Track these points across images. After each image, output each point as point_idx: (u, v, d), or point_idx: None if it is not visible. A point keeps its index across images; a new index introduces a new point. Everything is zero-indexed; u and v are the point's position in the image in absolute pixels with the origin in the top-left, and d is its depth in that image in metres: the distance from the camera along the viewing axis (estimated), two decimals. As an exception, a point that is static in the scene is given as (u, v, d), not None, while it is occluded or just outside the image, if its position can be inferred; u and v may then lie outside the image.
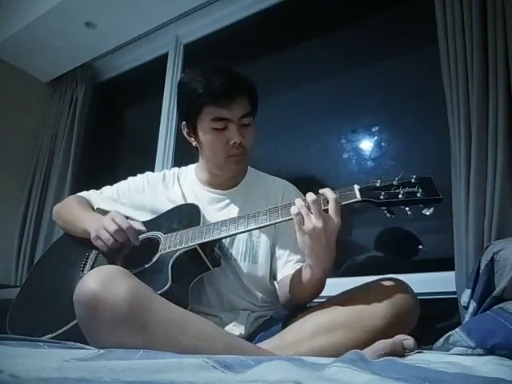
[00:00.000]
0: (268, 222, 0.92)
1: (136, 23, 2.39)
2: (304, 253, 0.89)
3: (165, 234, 1.04)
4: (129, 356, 0.61)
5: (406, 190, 0.83)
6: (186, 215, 1.07)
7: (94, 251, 1.09)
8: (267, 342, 0.89)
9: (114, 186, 1.25)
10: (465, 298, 1.11)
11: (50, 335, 0.90)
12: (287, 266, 1.07)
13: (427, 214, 0.82)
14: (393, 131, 1.83)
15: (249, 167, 1.22)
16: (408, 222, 1.62)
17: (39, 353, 0.63)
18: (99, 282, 0.73)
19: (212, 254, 1.01)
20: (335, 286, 0.99)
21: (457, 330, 0.82)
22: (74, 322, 0.84)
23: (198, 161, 1.22)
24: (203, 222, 1.02)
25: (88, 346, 0.74)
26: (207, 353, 0.68)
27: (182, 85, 1.09)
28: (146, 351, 0.65)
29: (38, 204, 2.51)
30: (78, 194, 1.27)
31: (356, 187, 0.88)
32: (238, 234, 0.98)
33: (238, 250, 1.08)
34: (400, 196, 0.83)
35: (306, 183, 1.18)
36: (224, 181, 1.16)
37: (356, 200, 0.86)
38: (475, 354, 0.75)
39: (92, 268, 1.06)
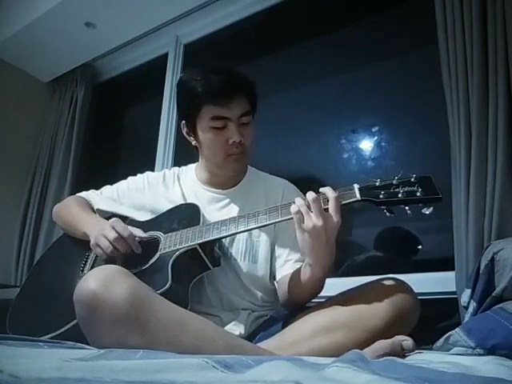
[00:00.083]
0: (268, 222, 0.92)
1: (136, 23, 2.39)
2: (304, 252, 0.89)
3: (165, 233, 1.04)
4: (129, 356, 0.61)
5: (406, 189, 0.83)
6: (186, 215, 1.07)
7: (94, 251, 1.09)
8: (267, 341, 0.89)
9: (114, 185, 1.25)
10: (465, 298, 1.11)
11: (50, 335, 0.90)
12: (286, 265, 1.07)
13: (427, 213, 0.82)
14: (393, 131, 1.83)
15: (249, 167, 1.22)
16: (408, 222, 1.62)
17: (39, 353, 0.63)
18: (99, 281, 0.73)
19: (212, 254, 1.01)
20: (335, 286, 0.99)
21: (457, 330, 0.82)
22: (74, 321, 0.84)
23: (197, 160, 1.22)
24: (203, 222, 1.02)
25: (88, 346, 0.74)
26: (207, 353, 0.68)
27: (181, 84, 1.09)
28: (146, 351, 0.65)
29: (37, 204, 2.51)
30: (77, 194, 1.27)
31: (356, 186, 0.88)
32: (237, 233, 0.98)
33: (237, 249, 1.08)
34: (400, 195, 0.83)
35: (306, 183, 1.18)
36: (224, 180, 1.16)
37: (356, 199, 0.86)
38: (475, 354, 0.75)
39: (92, 268, 1.06)
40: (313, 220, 0.83)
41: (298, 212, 0.85)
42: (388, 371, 0.54)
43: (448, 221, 1.35)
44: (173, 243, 0.99)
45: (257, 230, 1.08)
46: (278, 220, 0.91)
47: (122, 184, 1.24)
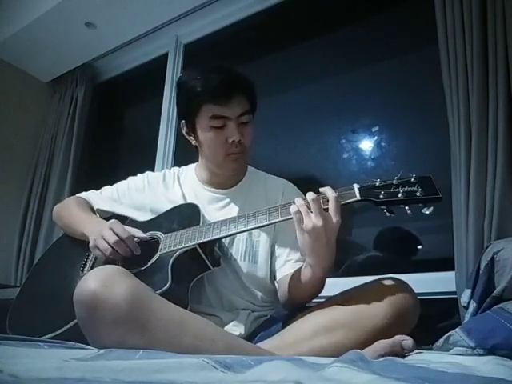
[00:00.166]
0: (268, 222, 0.92)
1: (136, 23, 2.39)
2: (304, 252, 0.89)
3: (165, 233, 1.04)
4: (129, 356, 0.61)
5: (406, 189, 0.83)
6: (186, 215, 1.07)
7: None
8: (267, 341, 0.89)
9: (114, 186, 1.25)
10: (465, 298, 1.11)
11: (50, 335, 0.90)
12: (287, 265, 1.07)
13: (427, 212, 0.82)
14: (393, 131, 1.83)
15: (248, 167, 1.22)
16: (408, 222, 1.62)
17: (39, 353, 0.63)
18: (99, 281, 0.73)
19: (212, 254, 1.01)
20: (335, 285, 0.99)
21: (457, 330, 0.83)
22: (74, 321, 0.84)
23: (197, 160, 1.22)
24: (203, 222, 1.02)
25: (88, 346, 0.74)
26: (207, 353, 0.68)
27: (181, 84, 1.09)
28: (145, 351, 0.65)
29: (37, 204, 2.51)
30: (77, 194, 1.27)
31: (356, 186, 0.88)
32: (237, 233, 0.98)
33: (237, 249, 1.08)
34: (399, 195, 0.83)
35: (306, 183, 1.18)
36: (224, 180, 1.16)
37: (356, 199, 0.86)
38: (475, 354, 0.75)
39: (92, 268, 1.06)
40: (313, 220, 0.83)
41: (298, 212, 0.85)
42: (388, 371, 0.54)
43: (448, 221, 1.35)
44: (173, 243, 0.99)
45: (257, 230, 1.08)
46: (277, 220, 0.91)
47: (122, 184, 1.24)
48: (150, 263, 0.99)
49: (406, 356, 0.80)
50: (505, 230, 1.18)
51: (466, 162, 1.29)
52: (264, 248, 1.09)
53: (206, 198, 1.15)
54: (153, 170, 1.40)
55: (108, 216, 1.18)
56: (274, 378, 0.47)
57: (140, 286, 0.78)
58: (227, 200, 1.15)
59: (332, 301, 0.93)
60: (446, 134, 1.39)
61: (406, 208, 0.83)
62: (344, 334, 0.85)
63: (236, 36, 2.33)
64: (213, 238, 0.96)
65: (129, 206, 1.19)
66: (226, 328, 0.97)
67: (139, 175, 1.25)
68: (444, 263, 1.41)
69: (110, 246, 0.97)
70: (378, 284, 0.92)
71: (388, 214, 0.85)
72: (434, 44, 1.46)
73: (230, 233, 0.96)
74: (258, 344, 0.88)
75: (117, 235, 0.98)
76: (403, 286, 0.90)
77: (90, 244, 1.01)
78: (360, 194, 0.86)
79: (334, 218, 0.84)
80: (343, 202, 0.86)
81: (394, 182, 0.85)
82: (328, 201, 0.85)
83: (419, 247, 1.65)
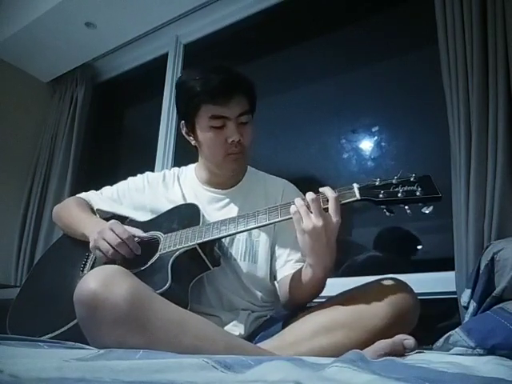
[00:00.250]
0: (267, 222, 0.92)
1: (136, 23, 2.39)
2: (304, 252, 0.89)
3: (164, 233, 1.04)
4: (129, 356, 0.61)
5: (405, 188, 0.83)
6: (186, 215, 1.07)
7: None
8: (267, 341, 0.89)
9: (114, 186, 1.25)
10: (465, 298, 1.11)
11: (50, 335, 0.90)
12: (287, 265, 1.07)
13: (426, 212, 0.82)
14: (393, 131, 1.83)
15: (248, 167, 1.22)
16: (408, 222, 1.62)
17: (39, 353, 0.63)
18: (99, 281, 0.73)
19: (212, 254, 1.01)
20: (335, 286, 0.99)
21: (457, 330, 0.82)
22: (74, 321, 0.84)
23: (197, 160, 1.22)
24: (203, 222, 1.02)
25: (88, 346, 0.74)
26: (207, 353, 0.68)
27: (180, 84, 1.09)
28: (146, 351, 0.65)
29: (38, 204, 2.51)
30: (77, 195, 1.27)
31: (355, 186, 0.88)
32: (237, 233, 0.98)
33: (237, 249, 1.08)
34: (399, 195, 0.83)
35: (306, 183, 1.18)
36: (223, 180, 1.16)
37: (355, 199, 0.86)
38: (475, 354, 0.75)
39: (92, 268, 1.06)
40: (313, 220, 0.83)
41: (298, 213, 0.85)
42: (388, 371, 0.54)
43: (448, 221, 1.35)
44: (172, 243, 0.99)
45: (256, 230, 1.08)
46: (277, 220, 0.91)
47: (121, 184, 1.24)
48: (149, 263, 0.99)
49: (406, 356, 0.80)
50: (505, 230, 1.18)
51: (466, 162, 1.29)
52: (264, 248, 1.09)
53: (205, 198, 1.15)
54: (153, 170, 1.40)
55: (108, 216, 1.18)
56: (274, 378, 0.47)
57: (140, 285, 0.78)
58: (227, 200, 1.15)
59: (332, 301, 0.93)
60: (446, 134, 1.39)
61: (406, 207, 0.83)
62: (344, 334, 0.84)
63: (236, 36, 2.33)
64: (213, 237, 0.96)
65: (129, 207, 1.19)
66: (226, 328, 0.97)
67: (139, 175, 1.25)
68: (444, 263, 1.41)
69: (111, 247, 0.97)
70: (378, 284, 0.92)
71: (388, 213, 0.85)
72: (434, 44, 1.46)
73: (230, 233, 0.96)
74: (258, 344, 0.88)
75: (117, 236, 0.98)
76: (403, 286, 0.90)
77: (91, 245, 1.01)
78: (360, 193, 0.86)
79: (334, 217, 0.84)
80: (343, 202, 0.86)
81: (394, 181, 0.85)
82: (328, 201, 0.85)
83: (419, 247, 1.65)
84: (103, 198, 1.22)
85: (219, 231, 0.96)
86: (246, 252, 1.08)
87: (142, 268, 0.98)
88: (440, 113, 1.43)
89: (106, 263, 0.99)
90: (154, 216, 1.15)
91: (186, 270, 0.98)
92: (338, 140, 1.94)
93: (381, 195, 0.84)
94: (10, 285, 2.31)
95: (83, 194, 1.26)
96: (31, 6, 2.32)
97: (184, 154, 2.07)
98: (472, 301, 1.06)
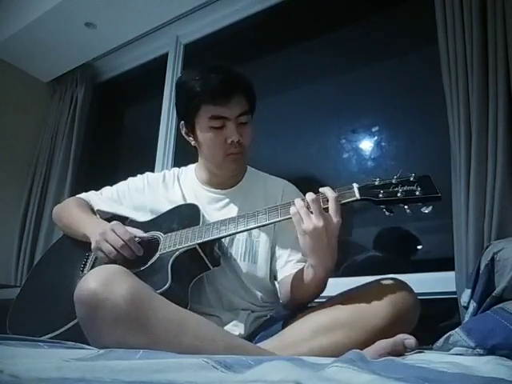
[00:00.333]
0: (267, 222, 0.92)
1: (136, 23, 2.39)
2: (305, 253, 0.89)
3: (164, 233, 1.04)
4: (129, 356, 0.61)
5: (405, 188, 0.83)
6: (186, 215, 1.07)
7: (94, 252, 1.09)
8: (267, 341, 0.89)
9: (114, 186, 1.25)
10: (465, 298, 1.11)
11: (50, 335, 0.90)
12: (287, 265, 1.07)
13: (426, 212, 0.82)
14: (393, 131, 1.83)
15: (248, 167, 1.22)
16: (408, 222, 1.62)
17: (39, 353, 0.63)
18: (99, 281, 0.73)
19: (212, 254, 1.01)
20: (335, 286, 0.99)
21: (457, 330, 0.82)
22: (75, 321, 0.84)
23: (197, 161, 1.22)
24: (203, 222, 1.02)
25: (88, 346, 0.74)
26: (207, 353, 0.68)
27: (180, 84, 1.09)
28: (146, 351, 0.65)
29: (38, 204, 2.51)
30: (77, 195, 1.27)
31: (355, 186, 0.88)
32: (237, 233, 0.98)
33: (237, 249, 1.08)
34: (399, 194, 0.83)
35: (306, 183, 1.18)
36: (223, 180, 1.16)
37: (355, 198, 0.86)
38: (475, 354, 0.75)
39: (92, 268, 1.06)
40: (313, 221, 0.83)
41: (298, 214, 0.85)
42: (388, 371, 0.54)
43: (448, 221, 1.35)
44: (172, 243, 0.99)
45: (256, 230, 1.08)
46: (277, 220, 0.91)
47: (121, 185, 1.24)
48: (149, 263, 0.99)
49: (406, 356, 0.80)
50: (505, 230, 1.18)
51: (466, 162, 1.29)
52: (264, 248, 1.09)
53: (205, 199, 1.15)
54: (153, 170, 1.40)
55: (108, 217, 1.18)
56: (274, 378, 0.47)
57: (140, 285, 0.78)
58: (227, 200, 1.15)
59: (332, 301, 0.93)
60: (446, 134, 1.39)
61: (406, 207, 0.83)
62: (344, 333, 0.84)
63: (236, 36, 2.33)
64: (212, 237, 0.96)
65: (129, 207, 1.19)
66: (226, 328, 0.96)
67: (139, 176, 1.26)
68: (444, 263, 1.41)
69: (114, 249, 0.97)
70: (378, 284, 0.92)
71: (387, 213, 0.85)
72: (434, 44, 1.46)
73: (230, 233, 0.96)
74: (258, 344, 0.88)
75: (119, 237, 0.98)
76: (403, 286, 0.90)
77: (93, 245, 1.01)
78: (359, 193, 0.86)
79: (335, 218, 0.84)
80: (343, 202, 0.86)
81: (394, 181, 0.85)
82: (328, 201, 0.85)
83: (419, 247, 1.65)
84: (103, 198, 1.22)
85: (219, 231, 0.96)
86: (245, 252, 1.08)
87: (142, 268, 0.98)
88: (440, 113, 1.43)
89: (106, 263, 0.99)
90: (153, 216, 1.15)
91: (186, 269, 0.98)
92: (337, 140, 1.94)
93: (380, 195, 0.84)
94: (10, 285, 2.31)
95: (83, 195, 1.26)
96: (31, 6, 2.32)
97: (184, 154, 2.07)
98: (472, 301, 1.06)
